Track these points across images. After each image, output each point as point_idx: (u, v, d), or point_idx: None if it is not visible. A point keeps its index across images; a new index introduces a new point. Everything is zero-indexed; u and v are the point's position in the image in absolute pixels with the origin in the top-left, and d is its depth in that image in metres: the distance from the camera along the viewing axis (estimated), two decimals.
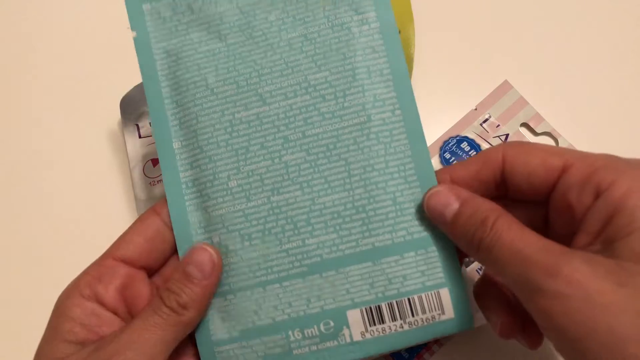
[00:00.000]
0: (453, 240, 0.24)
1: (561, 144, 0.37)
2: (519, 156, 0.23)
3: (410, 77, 0.37)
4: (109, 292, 0.24)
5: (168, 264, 0.27)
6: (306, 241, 0.25)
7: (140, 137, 0.37)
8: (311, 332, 0.25)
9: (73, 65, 0.40)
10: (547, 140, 0.38)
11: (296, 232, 0.25)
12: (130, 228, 0.26)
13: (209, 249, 0.25)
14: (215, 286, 0.25)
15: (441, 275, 0.25)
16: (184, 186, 0.26)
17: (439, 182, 0.25)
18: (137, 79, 0.37)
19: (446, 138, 0.37)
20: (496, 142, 0.37)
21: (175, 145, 0.26)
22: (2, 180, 0.38)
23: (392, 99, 0.26)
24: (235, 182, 0.26)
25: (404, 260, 0.25)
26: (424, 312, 0.25)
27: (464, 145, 0.37)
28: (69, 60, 0.40)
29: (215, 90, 0.26)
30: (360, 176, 0.25)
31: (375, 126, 0.25)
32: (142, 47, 0.27)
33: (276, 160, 0.26)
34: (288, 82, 0.26)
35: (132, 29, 0.27)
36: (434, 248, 0.25)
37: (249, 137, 0.26)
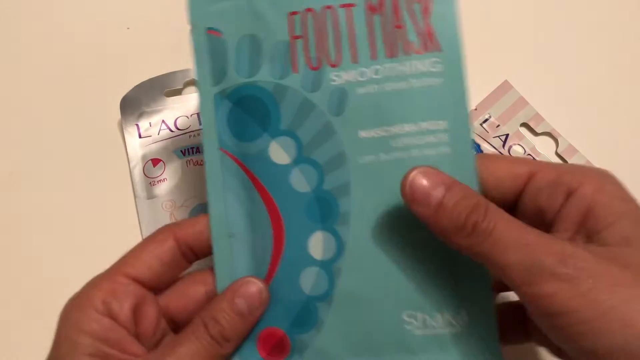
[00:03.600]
0: (432, 228, 0.22)
1: (561, 144, 0.37)
2: (486, 166, 0.24)
3: None
4: (124, 311, 0.24)
5: (175, 286, 0.26)
6: None
7: (140, 137, 0.37)
8: None
9: (73, 65, 0.40)
10: (547, 141, 0.38)
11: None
12: (146, 247, 0.25)
13: (258, 282, 0.24)
14: (258, 320, 0.25)
15: None
16: None
17: None
18: (137, 79, 0.37)
19: None
20: (496, 142, 0.37)
21: None
22: (2, 180, 0.38)
23: None
24: None
25: None
26: None
27: None
28: (69, 60, 0.40)
29: None
30: None
31: None
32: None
33: None
34: None
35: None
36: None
37: None
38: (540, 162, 0.24)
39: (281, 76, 0.25)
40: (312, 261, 0.25)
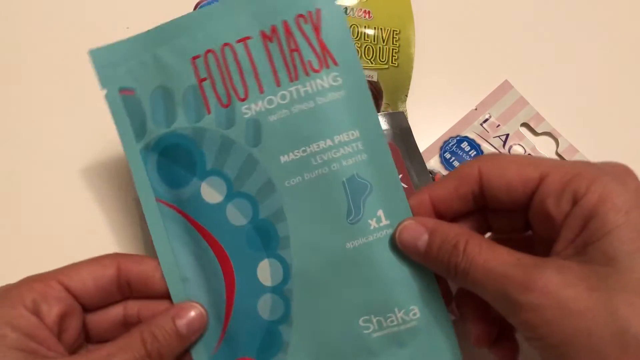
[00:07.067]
0: (430, 269, 0.25)
1: (561, 144, 0.37)
2: (494, 170, 0.23)
3: (410, 76, 0.37)
4: (51, 315, 0.24)
5: (108, 310, 0.26)
6: None
7: None
8: None
9: (72, 64, 0.40)
10: (547, 141, 0.38)
11: None
12: (87, 265, 0.25)
13: (201, 308, 0.25)
14: (194, 343, 0.26)
15: None
16: None
17: (418, 203, 0.25)
18: None
19: (446, 138, 0.37)
20: (496, 142, 0.37)
21: None
22: (2, 180, 0.38)
23: None
24: None
25: None
26: None
27: (464, 145, 0.37)
28: (69, 60, 0.40)
29: None
30: None
31: None
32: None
33: None
34: None
35: None
36: None
37: None
38: (552, 163, 0.23)
39: (197, 120, 0.26)
40: (264, 288, 0.26)
